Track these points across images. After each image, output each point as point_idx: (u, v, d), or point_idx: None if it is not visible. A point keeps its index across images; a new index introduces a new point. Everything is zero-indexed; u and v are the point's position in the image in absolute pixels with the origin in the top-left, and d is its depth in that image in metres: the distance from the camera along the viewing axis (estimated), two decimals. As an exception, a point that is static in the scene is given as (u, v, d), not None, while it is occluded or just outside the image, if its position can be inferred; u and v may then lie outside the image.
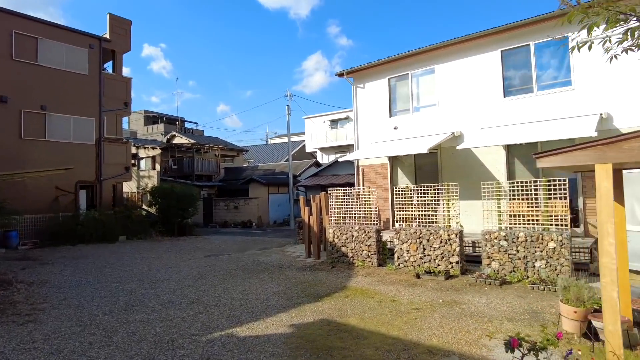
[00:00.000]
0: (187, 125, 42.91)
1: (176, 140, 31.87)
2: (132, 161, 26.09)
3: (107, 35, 19.24)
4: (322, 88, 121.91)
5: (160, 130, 39.31)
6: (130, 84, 20.43)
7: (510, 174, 11.16)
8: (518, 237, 8.01)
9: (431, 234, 9.27)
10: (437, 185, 9.77)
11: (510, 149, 11.28)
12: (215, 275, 9.55)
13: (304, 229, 12.64)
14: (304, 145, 38.12)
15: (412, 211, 9.98)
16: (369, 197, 10.88)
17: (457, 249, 8.87)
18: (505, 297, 6.81)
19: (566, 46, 10.40)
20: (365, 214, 10.78)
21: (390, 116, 13.82)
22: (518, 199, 8.41)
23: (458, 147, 10.97)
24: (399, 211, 10.33)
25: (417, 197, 10.01)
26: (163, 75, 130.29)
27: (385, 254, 10.45)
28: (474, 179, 11.40)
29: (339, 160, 15.43)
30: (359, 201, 10.99)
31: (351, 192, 11.25)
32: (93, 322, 5.98)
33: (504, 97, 11.33)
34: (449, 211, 9.32)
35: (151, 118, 43.48)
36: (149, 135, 39.56)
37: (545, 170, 10.55)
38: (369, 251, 10.28)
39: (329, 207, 11.58)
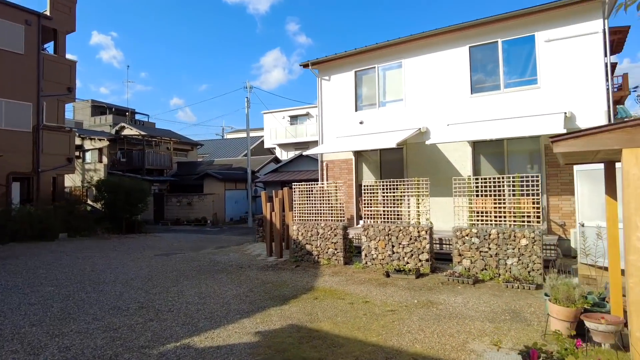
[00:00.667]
0: (137, 117, 40.26)
1: (126, 132, 29.84)
2: (77, 153, 24.12)
3: (47, 12, 17.44)
4: (281, 85, 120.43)
5: (108, 122, 36.65)
6: (75, 68, 18.67)
7: (476, 171, 11.10)
8: (490, 234, 7.82)
9: (400, 230, 8.92)
10: (406, 181, 9.45)
11: (476, 146, 11.22)
12: (167, 276, 8.67)
13: (265, 226, 11.94)
14: (263, 141, 37.14)
15: (379, 207, 9.60)
16: (336, 193, 10.39)
17: (427, 246, 8.57)
18: (481, 297, 6.54)
19: (533, 44, 10.46)
20: (331, 210, 10.27)
21: (356, 110, 13.43)
22: (490, 195, 8.22)
23: (427, 142, 10.75)
24: (366, 207, 9.92)
25: (384, 193, 9.64)
26: (113, 66, 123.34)
27: (351, 252, 10.01)
28: (440, 175, 11.26)
29: (304, 154, 14.83)
30: (324, 197, 10.47)
31: (316, 188, 10.70)
32: (16, 335, 5.00)
33: (472, 93, 11.25)
34: (418, 207, 9.02)
35: (99, 108, 40.38)
36: (96, 127, 36.80)
37: (511, 168, 10.59)
38: (335, 249, 9.79)
39: (293, 203, 10.97)
